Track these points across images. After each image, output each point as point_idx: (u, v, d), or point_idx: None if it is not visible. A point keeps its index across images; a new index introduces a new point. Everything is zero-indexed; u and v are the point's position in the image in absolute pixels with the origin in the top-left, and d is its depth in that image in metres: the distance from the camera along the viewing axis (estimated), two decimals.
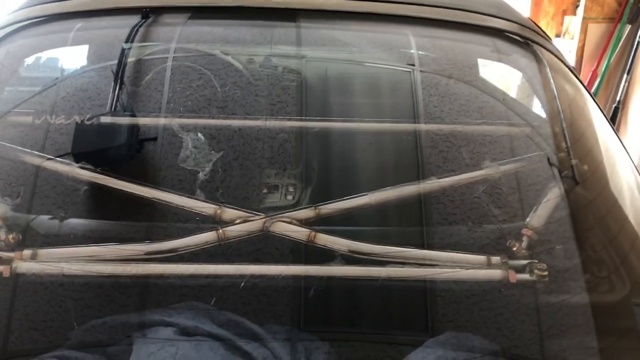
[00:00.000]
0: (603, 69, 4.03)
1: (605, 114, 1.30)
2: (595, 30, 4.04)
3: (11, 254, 0.98)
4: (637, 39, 3.79)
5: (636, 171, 1.22)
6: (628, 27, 3.92)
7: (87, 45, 1.39)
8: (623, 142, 1.27)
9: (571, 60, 4.21)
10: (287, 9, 1.31)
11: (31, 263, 0.97)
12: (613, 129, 1.27)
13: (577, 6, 4.17)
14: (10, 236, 1.02)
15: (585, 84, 3.96)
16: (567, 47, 4.47)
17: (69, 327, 0.99)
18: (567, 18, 4.82)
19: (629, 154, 1.25)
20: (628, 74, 3.85)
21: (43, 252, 0.99)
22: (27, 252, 0.98)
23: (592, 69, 4.05)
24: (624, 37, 3.93)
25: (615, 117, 3.90)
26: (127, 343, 0.95)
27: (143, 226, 1.11)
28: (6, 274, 0.96)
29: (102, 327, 1.00)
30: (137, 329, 0.98)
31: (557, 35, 4.92)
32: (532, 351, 1.00)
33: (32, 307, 1.02)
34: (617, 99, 3.90)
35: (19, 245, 1.01)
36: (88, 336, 0.99)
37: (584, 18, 4.01)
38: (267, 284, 1.03)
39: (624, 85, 3.87)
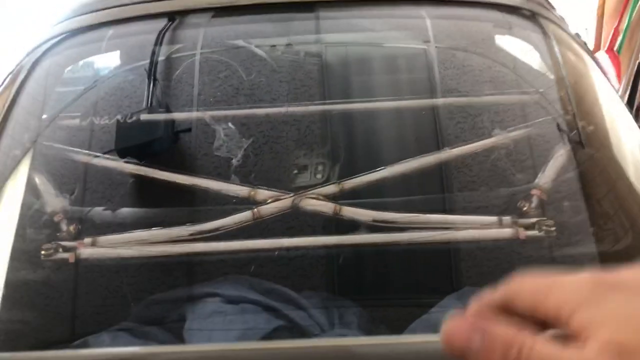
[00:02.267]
0: (625, 25, 3.99)
1: (608, 78, 1.36)
2: None
3: (74, 243, 1.12)
4: None
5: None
6: None
7: (121, 49, 1.50)
8: (626, 104, 1.33)
9: (592, 19, 4.18)
10: (305, 2, 1.40)
11: (92, 249, 1.10)
12: (616, 91, 1.34)
13: None
14: (71, 227, 1.15)
15: (608, 41, 3.94)
16: (588, 5, 4.43)
17: (128, 305, 1.12)
18: None
19: (633, 115, 1.31)
20: None
21: (101, 239, 1.11)
22: (87, 240, 1.11)
23: (614, 26, 4.01)
24: None
25: (639, 74, 3.87)
26: (180, 315, 1.08)
27: (186, 211, 1.23)
28: (72, 260, 1.09)
29: (157, 302, 1.13)
30: (188, 301, 1.11)
31: None
32: None
33: (91, 290, 1.15)
34: None
35: (79, 235, 1.15)
36: (146, 311, 1.12)
37: None
38: (300, 255, 1.14)
39: None
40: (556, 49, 1.31)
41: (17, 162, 1.24)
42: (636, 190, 1.16)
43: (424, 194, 1.26)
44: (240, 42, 1.43)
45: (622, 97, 3.97)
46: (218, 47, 1.44)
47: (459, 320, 0.40)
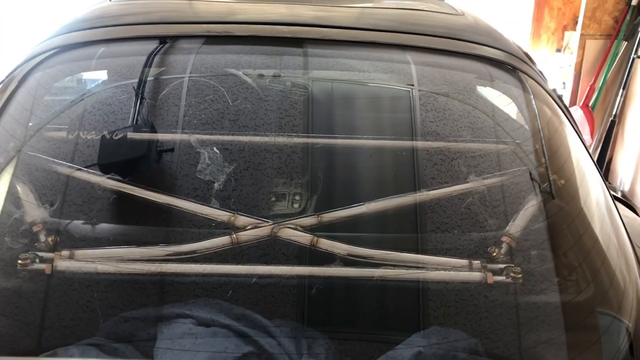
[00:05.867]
0: (600, 83, 4.14)
1: (579, 132, 1.42)
2: (593, 46, 4.15)
3: (51, 254, 1.12)
4: (633, 55, 3.89)
5: (604, 186, 1.35)
6: (624, 44, 4.02)
7: (111, 67, 1.52)
8: (593, 158, 1.39)
9: (570, 75, 4.33)
10: (295, 38, 1.44)
11: (69, 262, 1.11)
12: (586, 148, 1.40)
13: (577, 22, 4.29)
14: (50, 238, 1.16)
15: (584, 97, 4.07)
16: (567, 61, 4.58)
17: (98, 321, 1.12)
18: (567, 33, 4.94)
19: (599, 170, 1.37)
20: (624, 88, 3.95)
21: (78, 252, 1.12)
22: (65, 252, 1.12)
23: (590, 84, 4.16)
24: (620, 53, 4.03)
25: (611, 131, 4.00)
26: (151, 334, 1.09)
27: (164, 231, 1.24)
28: (48, 271, 1.10)
29: (127, 320, 1.13)
30: (159, 321, 1.11)
31: (558, 50, 5.04)
32: (507, 344, 1.13)
33: (65, 302, 1.15)
34: (614, 112, 4.00)
35: (57, 247, 1.15)
36: (115, 328, 1.13)
37: (582, 34, 4.13)
38: (274, 283, 1.16)
39: (619, 100, 3.97)
40: (533, 103, 1.37)
41: (0, 170, 1.24)
42: (600, 245, 1.21)
43: (398, 231, 1.30)
44: (229, 70, 1.47)
45: (595, 151, 4.10)
46: (207, 71, 1.47)
47: None
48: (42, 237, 1.15)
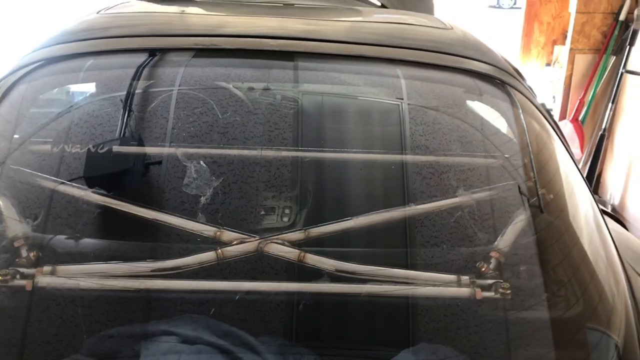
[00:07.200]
0: (590, 97, 4.17)
1: (567, 147, 1.42)
2: (582, 60, 4.18)
3: (32, 270, 1.10)
4: (621, 69, 3.92)
5: (593, 200, 1.35)
6: (613, 58, 4.05)
7: (98, 79, 1.51)
8: (582, 173, 1.40)
9: (560, 89, 4.36)
10: (285, 52, 1.44)
11: (50, 278, 1.09)
12: (574, 161, 1.40)
13: (567, 37, 4.32)
14: (32, 254, 1.14)
15: (573, 111, 4.09)
16: (557, 75, 4.62)
17: (81, 338, 1.10)
18: (557, 48, 4.99)
19: (588, 185, 1.37)
20: (613, 102, 3.98)
21: (61, 268, 1.10)
22: (46, 268, 1.10)
23: (580, 98, 4.19)
24: (609, 67, 4.06)
25: (601, 145, 4.03)
26: (134, 351, 1.07)
27: (149, 246, 1.23)
28: (29, 287, 1.08)
29: (111, 337, 1.11)
30: (143, 338, 1.09)
31: (548, 64, 5.08)
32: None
33: (47, 319, 1.13)
34: (603, 126, 4.02)
35: (39, 262, 1.13)
36: (99, 345, 1.11)
37: (571, 49, 4.16)
38: (261, 299, 1.15)
39: (609, 114, 3.99)
40: (522, 117, 1.37)
41: None
42: (589, 260, 1.20)
43: (387, 246, 1.29)
44: (219, 83, 1.46)
45: (584, 165, 4.12)
46: (196, 84, 1.46)
47: None
48: (24, 253, 1.13)
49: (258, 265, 1.18)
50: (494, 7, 20.06)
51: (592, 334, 1.12)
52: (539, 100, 1.53)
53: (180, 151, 1.31)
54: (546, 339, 1.11)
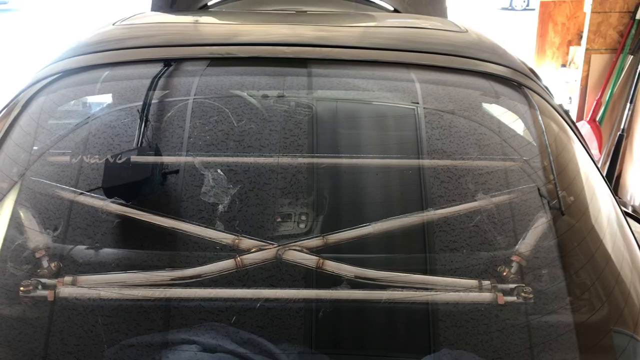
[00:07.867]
0: (607, 98, 4.13)
1: (587, 147, 1.40)
2: (599, 60, 4.14)
3: (54, 281, 1.11)
4: (639, 69, 3.88)
5: (615, 201, 1.32)
6: (630, 58, 4.01)
7: (115, 90, 1.52)
8: (603, 174, 1.37)
9: (576, 89, 4.32)
10: (298, 59, 1.44)
11: (71, 288, 1.10)
12: (595, 163, 1.38)
13: (582, 37, 4.29)
14: (52, 264, 1.14)
15: (591, 112, 4.05)
16: (573, 76, 4.58)
17: (102, 347, 1.10)
18: (572, 48, 4.95)
19: (609, 186, 1.35)
20: (631, 102, 3.93)
21: (81, 278, 1.11)
22: (67, 279, 1.11)
23: (597, 98, 4.14)
24: (626, 67, 4.02)
25: (620, 145, 3.98)
26: None
27: (168, 255, 1.23)
28: (50, 298, 1.08)
29: (132, 346, 1.11)
30: (164, 347, 1.09)
31: (563, 65, 5.04)
32: None
33: (68, 329, 1.14)
34: (622, 127, 3.98)
35: (60, 273, 1.14)
36: (120, 354, 1.11)
37: (587, 49, 4.12)
38: (280, 306, 1.14)
39: (627, 114, 3.95)
40: (540, 119, 1.36)
41: (3, 196, 1.23)
42: (613, 262, 1.18)
43: (406, 251, 1.28)
44: (234, 91, 1.47)
45: (603, 166, 4.07)
46: (211, 93, 1.47)
47: None
48: (45, 263, 1.14)
49: (277, 272, 1.18)
50: (507, 9, 19.99)
51: (619, 337, 1.10)
52: (556, 101, 1.51)
53: (197, 160, 1.31)
54: (571, 344, 1.09)
